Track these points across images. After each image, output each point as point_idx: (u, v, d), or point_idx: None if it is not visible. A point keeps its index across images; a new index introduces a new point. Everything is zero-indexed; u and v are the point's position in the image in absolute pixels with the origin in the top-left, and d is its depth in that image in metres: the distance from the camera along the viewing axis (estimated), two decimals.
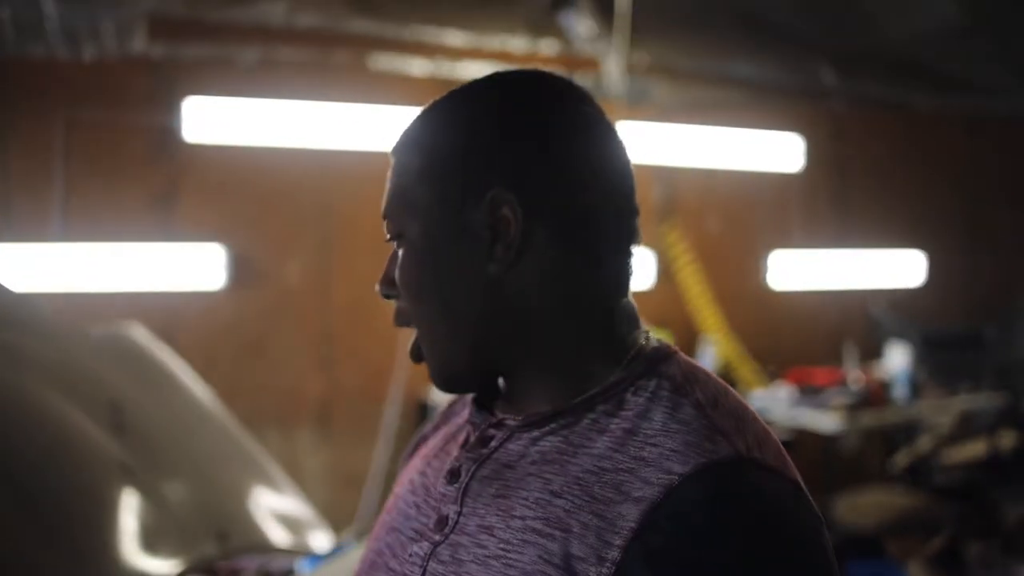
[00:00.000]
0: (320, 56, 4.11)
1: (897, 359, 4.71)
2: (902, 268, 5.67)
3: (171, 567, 1.68)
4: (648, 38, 4.63)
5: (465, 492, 0.83)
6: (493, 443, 0.85)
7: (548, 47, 4.53)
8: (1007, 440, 4.67)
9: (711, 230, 5.24)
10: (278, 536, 2.10)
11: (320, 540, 2.21)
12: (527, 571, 0.74)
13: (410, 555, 0.84)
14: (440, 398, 4.21)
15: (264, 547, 2.02)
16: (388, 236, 0.89)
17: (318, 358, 4.26)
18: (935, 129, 5.79)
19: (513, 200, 0.82)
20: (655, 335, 0.89)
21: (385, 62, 4.25)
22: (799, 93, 5.14)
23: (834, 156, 5.56)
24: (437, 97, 0.91)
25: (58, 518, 1.61)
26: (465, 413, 0.95)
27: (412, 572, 0.82)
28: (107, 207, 3.93)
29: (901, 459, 4.75)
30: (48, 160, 3.82)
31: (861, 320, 5.54)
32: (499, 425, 0.85)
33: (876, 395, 4.44)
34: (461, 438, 0.91)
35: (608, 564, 0.71)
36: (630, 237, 0.87)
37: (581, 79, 4.58)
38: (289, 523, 2.19)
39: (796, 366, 4.78)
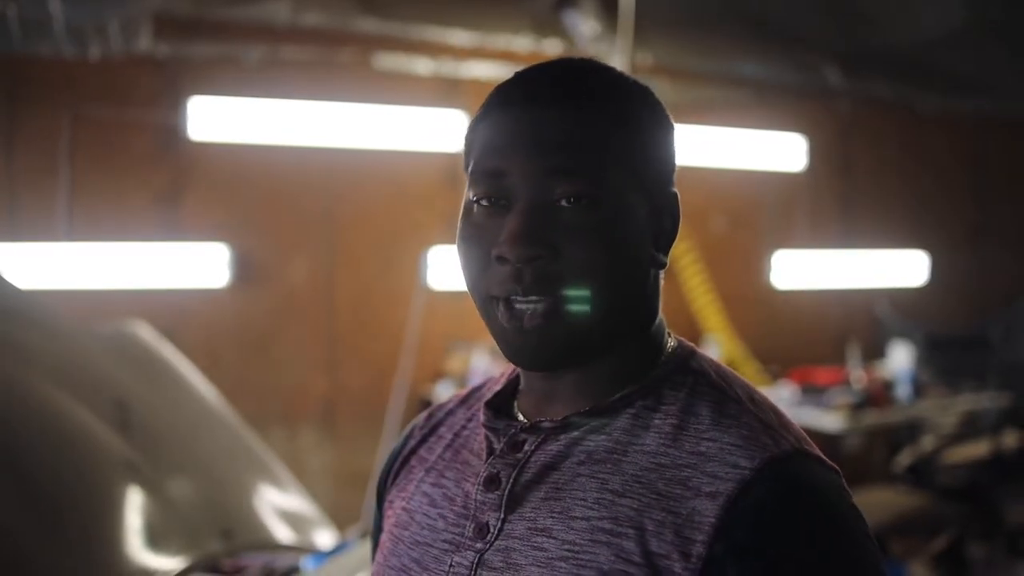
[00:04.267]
0: (325, 55, 4.12)
1: (900, 359, 4.71)
2: (906, 268, 5.67)
3: (176, 564, 1.69)
4: (652, 38, 4.63)
5: (510, 498, 0.81)
6: (527, 446, 0.83)
7: (552, 47, 4.53)
8: (1011, 440, 4.67)
9: (715, 229, 5.24)
10: (283, 534, 2.11)
11: (324, 538, 2.22)
12: (604, 570, 0.74)
13: (451, 566, 0.82)
14: (442, 396, 4.22)
15: (268, 545, 2.03)
16: (558, 193, 0.79)
17: (322, 357, 4.27)
18: (940, 130, 5.78)
19: (676, 194, 0.86)
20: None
21: (390, 61, 4.25)
22: (804, 93, 5.14)
23: (839, 156, 5.56)
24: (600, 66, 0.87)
25: (63, 515, 1.62)
26: (459, 421, 0.96)
27: None
28: (112, 205, 3.94)
29: (904, 459, 4.75)
30: (54, 158, 3.84)
31: (865, 320, 5.54)
32: (532, 428, 0.84)
33: (879, 395, 4.44)
34: (475, 446, 0.89)
35: (694, 559, 0.72)
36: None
37: None
38: (293, 521, 2.20)
39: (799, 366, 4.78)
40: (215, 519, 1.89)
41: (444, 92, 4.39)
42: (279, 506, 2.21)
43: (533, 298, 0.78)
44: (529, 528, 0.79)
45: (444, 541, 0.84)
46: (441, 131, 4.31)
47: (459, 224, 0.84)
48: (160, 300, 3.94)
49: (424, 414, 1.04)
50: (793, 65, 4.99)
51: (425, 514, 0.88)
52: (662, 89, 4.64)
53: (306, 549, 2.06)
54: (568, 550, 0.76)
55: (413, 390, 4.34)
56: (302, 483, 2.61)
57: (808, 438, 0.82)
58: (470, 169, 0.84)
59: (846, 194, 5.62)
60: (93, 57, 3.53)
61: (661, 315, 0.88)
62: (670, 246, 0.86)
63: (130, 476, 1.83)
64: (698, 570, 0.71)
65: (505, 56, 4.43)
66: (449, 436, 0.95)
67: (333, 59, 4.15)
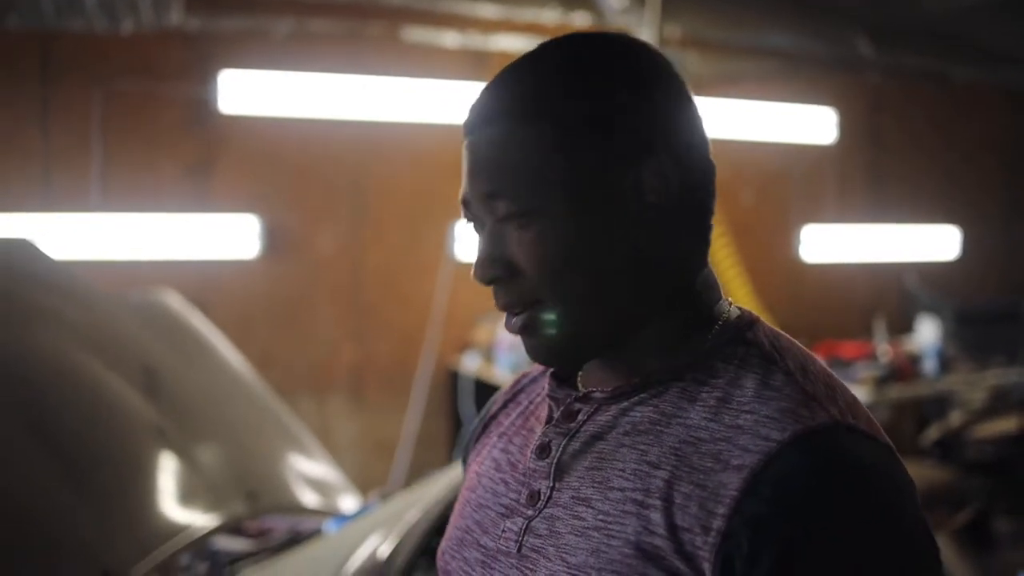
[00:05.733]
0: (353, 28, 4.14)
1: (927, 333, 4.69)
2: (936, 242, 5.62)
3: (202, 521, 1.75)
4: (681, 9, 4.60)
5: (558, 467, 0.82)
6: (580, 416, 0.84)
7: (581, 19, 4.52)
8: None
9: (744, 203, 5.22)
10: (308, 498, 2.16)
11: (349, 503, 2.27)
12: (630, 542, 0.74)
13: (503, 531, 0.84)
14: (469, 367, 4.26)
15: (293, 508, 2.08)
16: (500, 214, 0.82)
17: (350, 327, 4.33)
18: (974, 102, 5.70)
19: (664, 162, 0.80)
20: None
21: (417, 34, 4.27)
22: (834, 64, 5.09)
23: (869, 129, 5.51)
24: (524, 57, 0.85)
25: (96, 475, 1.67)
26: (537, 389, 0.96)
27: (508, 547, 0.83)
28: (144, 177, 4.01)
29: (932, 433, 4.73)
30: (87, 132, 3.90)
31: (894, 294, 5.50)
32: (585, 398, 0.85)
33: (905, 369, 4.43)
34: (542, 414, 0.90)
35: (713, 534, 0.70)
36: (714, 199, 0.87)
37: None
38: (319, 486, 2.25)
39: (826, 339, 4.77)
40: (240, 482, 1.95)
41: (472, 65, 4.40)
42: (305, 472, 2.26)
43: (515, 320, 0.83)
44: (573, 497, 0.80)
45: (502, 505, 0.86)
46: (468, 104, 4.32)
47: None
48: (191, 271, 4.00)
49: (512, 380, 1.05)
50: (823, 37, 4.94)
51: (490, 478, 0.91)
52: (691, 61, 4.62)
53: (330, 512, 2.11)
54: (602, 520, 0.77)
55: (440, 361, 4.39)
56: (329, 452, 2.66)
57: (865, 412, 0.78)
58: None
59: (875, 168, 5.57)
60: (124, 32, 3.57)
61: (709, 283, 0.86)
62: (674, 215, 0.82)
63: (158, 441, 1.89)
64: (716, 544, 0.70)
65: (533, 28, 4.43)
66: (525, 403, 0.97)
67: (361, 32, 4.16)
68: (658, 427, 0.79)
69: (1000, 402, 4.82)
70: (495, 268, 0.82)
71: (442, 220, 4.37)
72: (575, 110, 0.80)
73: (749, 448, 0.72)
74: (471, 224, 0.87)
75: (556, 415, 0.86)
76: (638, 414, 0.81)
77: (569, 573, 0.77)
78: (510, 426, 0.95)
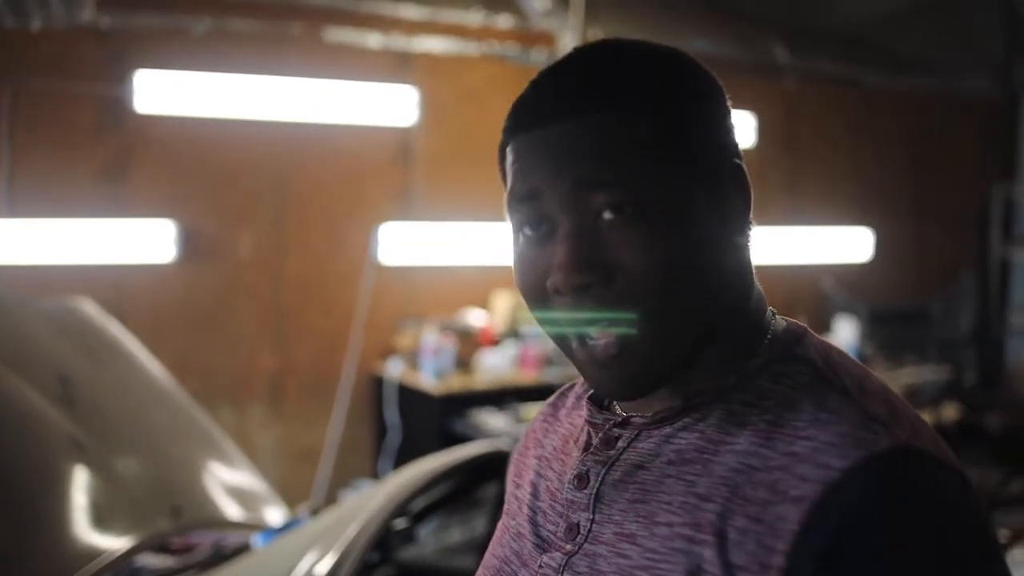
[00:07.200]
0: (274, 28, 4.07)
1: (844, 334, 4.81)
2: (851, 244, 5.76)
3: (123, 542, 1.68)
4: (603, 13, 4.63)
5: (597, 498, 0.77)
6: (620, 443, 0.78)
7: (504, 21, 4.51)
8: (950, 412, 4.79)
9: None
10: (232, 511, 2.10)
11: (274, 515, 2.21)
12: None
13: (540, 566, 0.79)
14: (392, 373, 4.22)
15: (218, 522, 2.02)
16: (597, 207, 0.73)
17: (271, 333, 4.24)
18: (886, 107, 5.87)
19: (745, 171, 0.78)
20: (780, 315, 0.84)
21: (340, 35, 4.21)
22: (752, 70, 5.18)
23: (786, 133, 5.63)
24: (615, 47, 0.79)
25: (8, 494, 1.60)
26: (578, 411, 0.90)
27: None
28: (56, 180, 3.86)
29: None
30: None
31: (811, 295, 5.63)
32: (624, 424, 0.79)
33: None
34: (581, 439, 0.84)
35: (774, 572, 0.64)
36: None
37: (536, 55, 4.58)
38: (243, 498, 2.19)
39: None
40: (164, 496, 1.88)
41: (395, 66, 4.35)
42: (229, 483, 2.20)
43: (603, 331, 0.73)
44: (616, 533, 0.74)
45: (539, 537, 0.82)
46: (392, 106, 4.28)
47: (512, 257, 0.79)
48: (105, 275, 3.87)
49: (558, 392, 0.98)
50: (742, 43, 5.03)
51: (529, 506, 0.86)
52: None
53: (256, 526, 2.05)
54: (649, 559, 0.71)
55: (364, 367, 4.33)
56: (251, 461, 2.60)
57: (931, 431, 0.72)
58: (506, 196, 0.78)
59: (792, 172, 5.68)
60: (34, 28, 3.44)
61: (759, 292, 0.82)
62: (747, 222, 0.80)
63: (75, 453, 1.81)
64: None
65: (456, 31, 4.41)
66: (567, 425, 0.90)
67: (283, 32, 4.09)
68: (706, 455, 0.73)
69: (913, 400, 4.97)
70: (590, 272, 0.71)
71: (365, 224, 4.32)
72: (694, 98, 0.77)
73: (808, 478, 0.66)
74: (529, 224, 0.76)
75: (595, 442, 0.81)
76: (683, 441, 0.75)
77: None
78: (550, 449, 0.90)
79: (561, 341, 0.77)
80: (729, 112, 0.81)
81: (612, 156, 0.72)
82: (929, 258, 6.11)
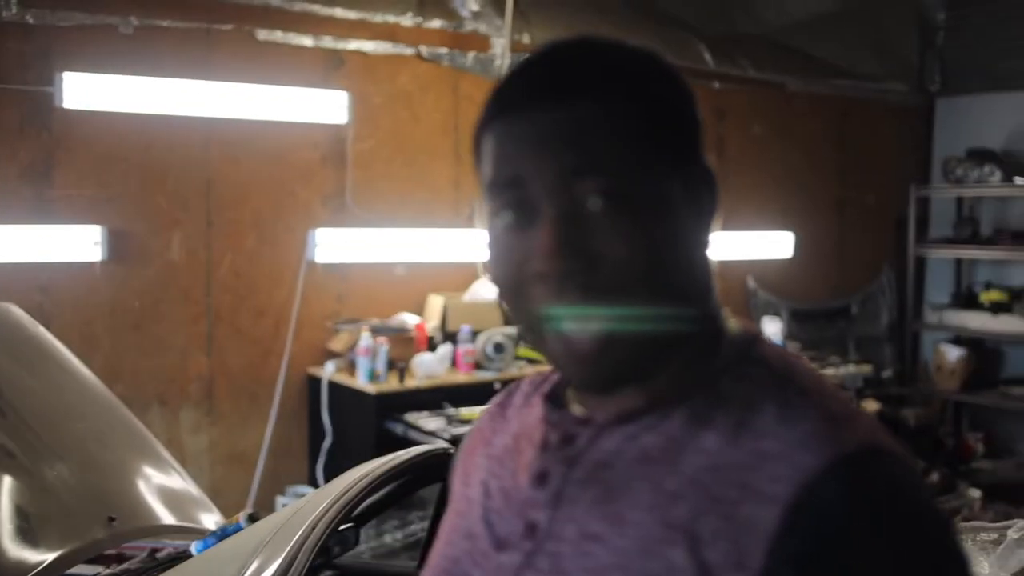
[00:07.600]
0: (204, 26, 4.01)
1: (771, 331, 4.93)
2: (774, 245, 5.88)
3: (58, 552, 1.65)
4: (534, 17, 4.68)
5: (558, 496, 0.76)
6: (580, 442, 0.78)
7: (436, 23, 4.52)
8: (870, 407, 4.95)
9: None
10: (168, 518, 2.07)
11: (210, 520, 2.19)
12: None
13: (497, 566, 0.78)
14: (327, 374, 4.20)
15: (153, 530, 2.00)
16: (584, 194, 0.72)
17: (202, 336, 4.19)
18: (809, 110, 6.01)
19: (712, 168, 0.80)
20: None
21: (272, 34, 4.17)
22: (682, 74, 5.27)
23: (712, 136, 5.73)
24: (598, 38, 0.80)
25: None
26: (528, 410, 0.88)
27: None
28: None
29: None
30: None
31: (739, 293, 5.74)
32: (584, 422, 0.79)
33: None
34: (536, 437, 0.83)
35: (751, 571, 0.65)
36: None
37: (468, 58, 4.60)
38: (179, 504, 2.17)
39: None
40: (98, 504, 1.85)
41: (327, 66, 4.33)
42: (163, 489, 2.17)
43: (582, 321, 0.72)
44: (580, 533, 0.73)
45: (495, 537, 0.80)
46: (324, 105, 4.26)
47: (487, 243, 0.78)
48: (27, 276, 3.76)
49: (504, 391, 0.96)
50: (669, 46, 5.11)
51: (481, 504, 0.84)
52: None
53: (193, 531, 2.03)
54: (620, 559, 0.70)
55: (298, 369, 4.31)
56: (184, 465, 2.57)
57: (883, 427, 0.74)
58: (485, 182, 0.77)
59: (719, 173, 5.78)
60: None
61: (716, 296, 0.83)
62: (712, 222, 0.81)
63: (5, 462, 1.78)
64: None
65: (388, 33, 4.40)
66: (515, 423, 0.89)
67: (213, 30, 4.04)
68: (670, 454, 0.73)
69: None
70: (575, 257, 0.71)
71: (298, 225, 4.29)
72: (672, 95, 0.79)
73: (780, 477, 0.67)
74: (509, 212, 0.75)
75: (553, 440, 0.80)
76: (648, 440, 0.74)
77: None
78: (499, 448, 0.88)
79: (535, 328, 0.76)
80: (698, 114, 0.82)
81: (598, 145, 0.72)
82: (850, 257, 6.28)
